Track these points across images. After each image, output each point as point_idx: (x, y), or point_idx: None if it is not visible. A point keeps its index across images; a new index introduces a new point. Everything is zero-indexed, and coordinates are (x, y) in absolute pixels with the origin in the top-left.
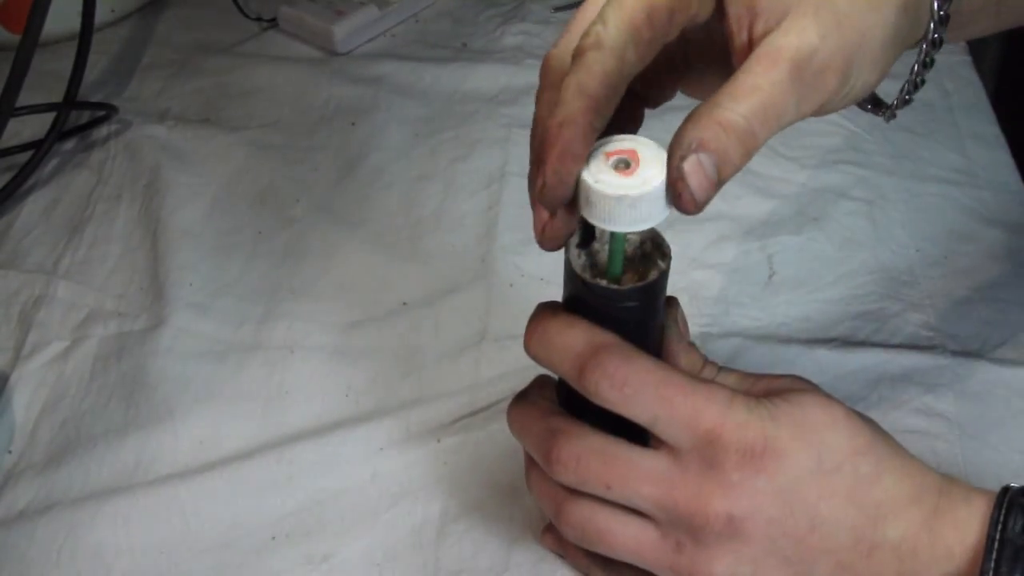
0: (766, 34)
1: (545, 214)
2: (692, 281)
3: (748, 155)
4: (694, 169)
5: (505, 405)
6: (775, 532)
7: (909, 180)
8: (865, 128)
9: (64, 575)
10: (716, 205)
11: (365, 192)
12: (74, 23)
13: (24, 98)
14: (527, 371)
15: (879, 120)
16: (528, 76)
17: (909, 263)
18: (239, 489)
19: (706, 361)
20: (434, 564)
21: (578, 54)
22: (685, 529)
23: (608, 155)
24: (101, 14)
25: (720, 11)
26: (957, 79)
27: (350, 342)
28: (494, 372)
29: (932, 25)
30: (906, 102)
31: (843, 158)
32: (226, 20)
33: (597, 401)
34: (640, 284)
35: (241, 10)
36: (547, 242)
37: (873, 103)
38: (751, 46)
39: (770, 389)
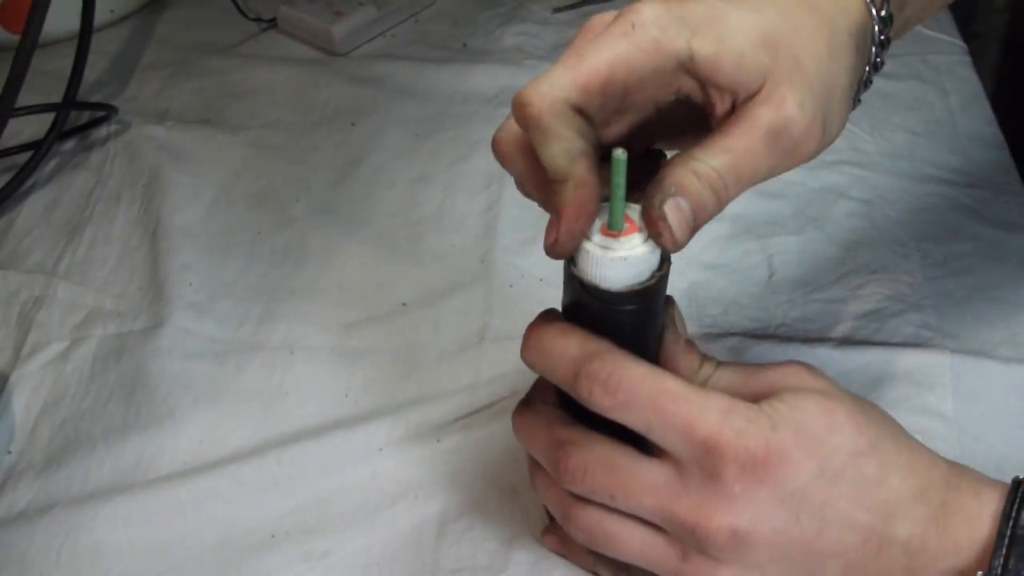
0: (747, 101)
1: (556, 230)
2: (692, 281)
3: (721, 205)
4: (672, 210)
5: (505, 405)
6: (781, 540)
7: (908, 180)
8: (865, 128)
9: (64, 575)
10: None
11: (365, 192)
12: (74, 23)
13: (24, 98)
14: (527, 371)
15: (879, 120)
16: (528, 76)
17: (909, 263)
18: (239, 489)
19: (704, 358)
20: (433, 563)
21: (533, 122)
22: (689, 540)
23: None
24: (101, 14)
25: (701, 88)
26: (956, 79)
27: (350, 342)
28: (494, 372)
29: (874, 50)
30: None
31: (842, 158)
32: (226, 20)
33: (591, 408)
34: (639, 287)
35: (241, 10)
36: (557, 254)
37: None
38: (734, 109)
39: (770, 386)
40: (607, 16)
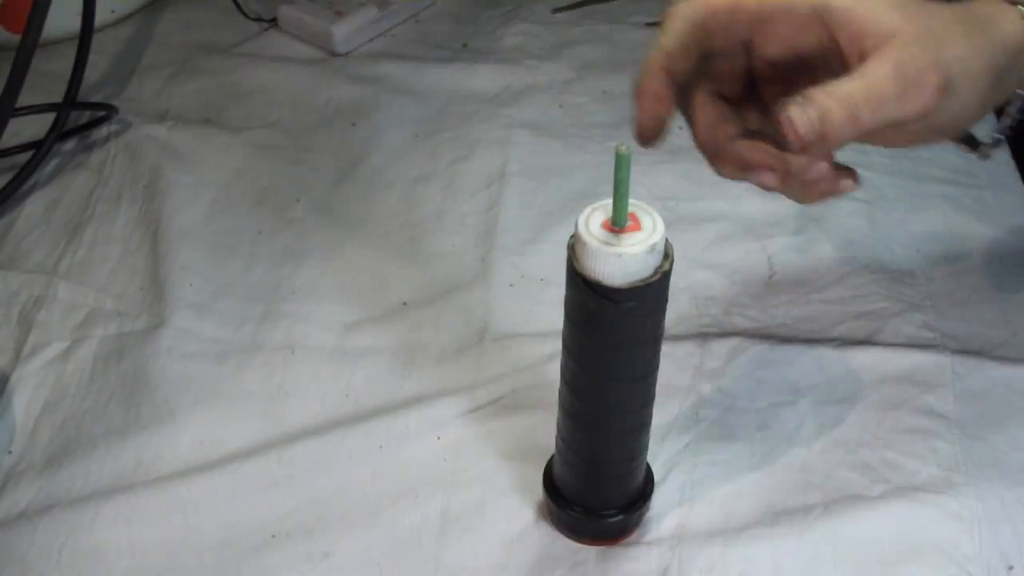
0: (873, 50)
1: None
2: (692, 281)
3: (848, 123)
4: (796, 109)
5: (505, 403)
6: None
7: (909, 180)
8: None
9: (64, 575)
10: (716, 205)
11: (365, 192)
12: (74, 24)
13: (24, 98)
14: (526, 371)
15: None
16: (528, 76)
17: (909, 263)
18: (239, 488)
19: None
20: (434, 562)
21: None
22: None
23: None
24: (101, 15)
25: (831, 40)
26: None
27: (350, 342)
28: (494, 372)
29: None
30: (1000, 141)
31: (843, 158)
32: (226, 20)
33: None
34: (640, 284)
35: (241, 10)
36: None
37: (967, 141)
38: (860, 59)
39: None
40: None
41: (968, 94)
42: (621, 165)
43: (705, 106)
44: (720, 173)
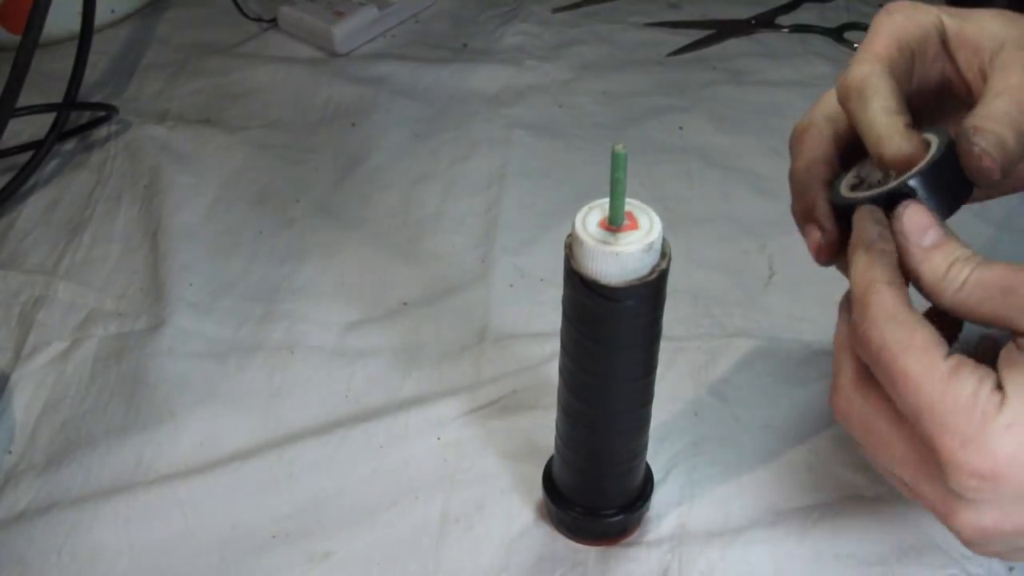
0: (991, 63)
1: (816, 233)
2: (692, 281)
3: (1018, 140)
4: (982, 140)
5: (505, 404)
6: None
7: None
8: None
9: (64, 575)
10: (716, 205)
11: (365, 192)
12: (74, 24)
13: (24, 99)
14: (526, 371)
15: None
16: (528, 77)
17: None
18: (239, 489)
19: (953, 259)
20: (434, 563)
21: (856, 88)
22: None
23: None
24: (101, 15)
25: (951, 61)
26: None
27: (350, 342)
28: (494, 372)
29: None
30: None
31: None
32: (226, 21)
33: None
34: (637, 283)
35: (241, 10)
36: (822, 257)
37: None
38: (983, 75)
39: (998, 291)
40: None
41: None
42: (618, 164)
43: (815, 139)
44: (792, 210)
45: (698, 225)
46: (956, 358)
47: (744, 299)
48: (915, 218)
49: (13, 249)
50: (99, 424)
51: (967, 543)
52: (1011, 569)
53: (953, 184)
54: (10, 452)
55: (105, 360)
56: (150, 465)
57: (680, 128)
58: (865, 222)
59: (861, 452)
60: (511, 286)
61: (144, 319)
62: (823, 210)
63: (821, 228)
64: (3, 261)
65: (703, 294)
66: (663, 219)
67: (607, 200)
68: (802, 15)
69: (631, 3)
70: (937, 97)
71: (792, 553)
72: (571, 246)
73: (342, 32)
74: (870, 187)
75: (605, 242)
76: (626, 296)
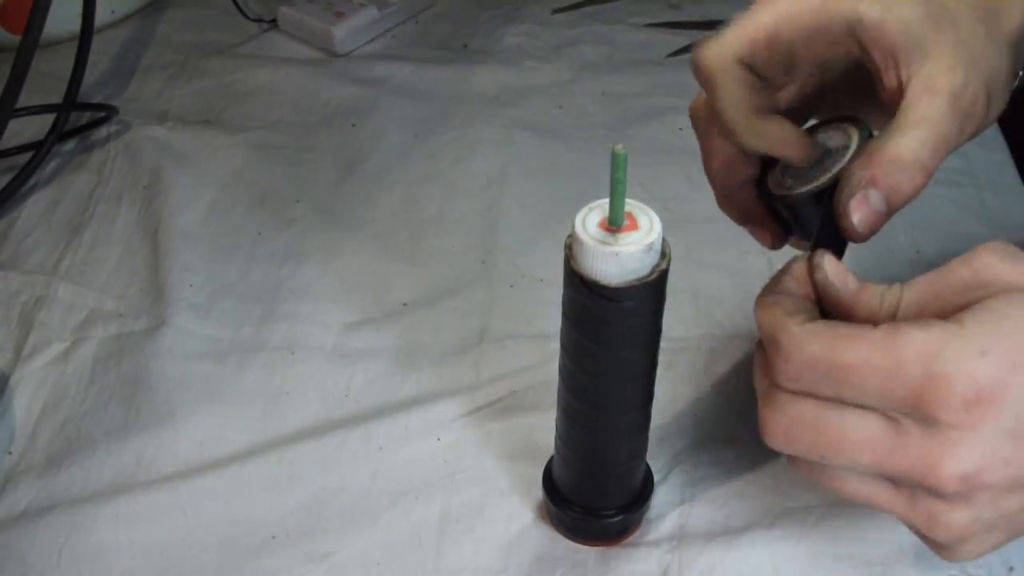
0: (910, 77)
1: (765, 235)
2: (693, 281)
3: (918, 185)
4: (858, 205)
5: (505, 404)
6: (1012, 470)
7: None
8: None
9: (64, 575)
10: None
11: (365, 193)
12: (74, 24)
13: (24, 99)
14: (526, 371)
15: None
16: (528, 77)
17: (909, 264)
18: (239, 489)
19: (884, 289)
20: (434, 563)
21: (704, 76)
22: (918, 488)
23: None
24: (101, 15)
25: (864, 53)
26: None
27: (350, 342)
28: (494, 372)
29: None
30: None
31: None
32: (226, 21)
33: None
34: (637, 283)
35: (241, 11)
36: (776, 246)
37: None
38: (901, 86)
39: (964, 290)
40: None
41: (999, 101)
42: (617, 164)
43: (723, 140)
44: (726, 213)
45: (698, 225)
46: (887, 325)
47: (744, 299)
48: (834, 269)
49: (13, 249)
50: (99, 424)
51: (963, 483)
52: (1011, 569)
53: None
54: (10, 452)
55: (105, 360)
56: (150, 465)
57: (680, 129)
58: (776, 276)
59: (809, 477)
60: (511, 286)
61: (144, 320)
62: (760, 213)
63: (764, 229)
64: (3, 261)
65: (703, 294)
66: (663, 220)
67: (607, 201)
68: None
69: (631, 3)
70: (848, 80)
71: (791, 554)
72: (571, 246)
73: (342, 32)
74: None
75: (605, 242)
76: (626, 296)
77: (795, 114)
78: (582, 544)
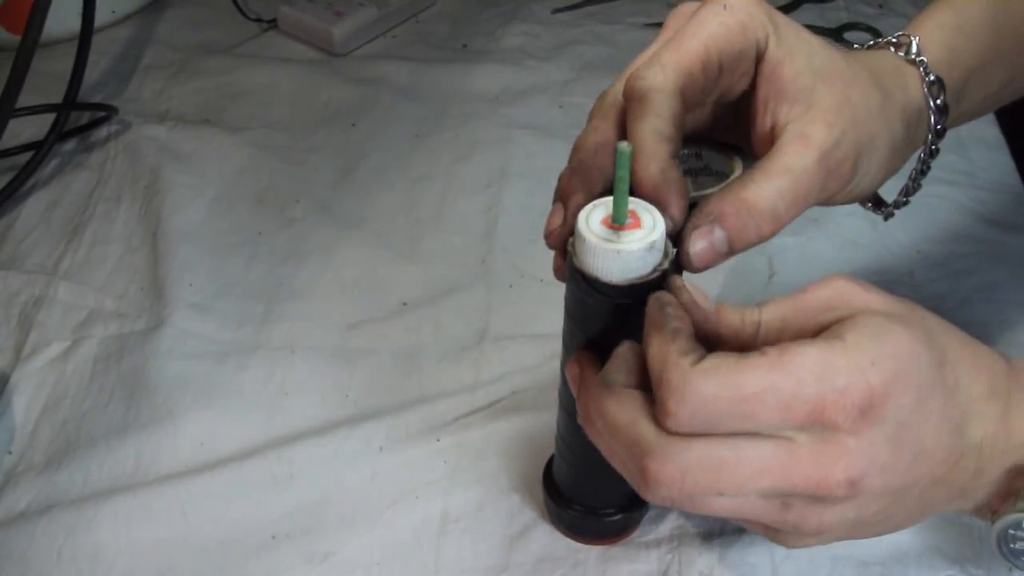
0: (787, 123)
1: (559, 218)
2: (692, 281)
3: (763, 235)
4: (700, 236)
5: (505, 405)
6: (887, 476)
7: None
8: None
9: (64, 575)
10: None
11: (365, 192)
12: (74, 24)
13: (24, 99)
14: (526, 371)
15: None
16: (528, 77)
17: (909, 264)
18: (239, 489)
19: (742, 311)
20: (434, 563)
21: (639, 96)
22: (806, 498)
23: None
24: (101, 15)
25: (752, 90)
26: None
27: (350, 342)
28: (494, 372)
29: (930, 137)
30: (905, 203)
31: None
32: (226, 21)
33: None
34: (638, 282)
35: (241, 11)
36: (554, 241)
37: (873, 201)
38: (773, 132)
39: (825, 312)
40: (693, 4)
41: (876, 171)
42: (621, 162)
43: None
44: (581, 179)
45: None
46: (774, 349)
47: (744, 299)
48: (694, 290)
49: (13, 249)
50: (99, 424)
51: (849, 488)
52: (1011, 570)
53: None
54: (10, 452)
55: (105, 360)
56: (150, 465)
57: None
58: (652, 309)
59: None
60: (511, 286)
61: (144, 319)
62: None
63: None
64: (3, 261)
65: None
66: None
67: (611, 198)
68: (802, 16)
69: (631, 3)
70: (734, 112)
71: (790, 554)
72: (573, 243)
73: (342, 32)
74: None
75: (608, 240)
76: (627, 295)
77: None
78: (582, 543)
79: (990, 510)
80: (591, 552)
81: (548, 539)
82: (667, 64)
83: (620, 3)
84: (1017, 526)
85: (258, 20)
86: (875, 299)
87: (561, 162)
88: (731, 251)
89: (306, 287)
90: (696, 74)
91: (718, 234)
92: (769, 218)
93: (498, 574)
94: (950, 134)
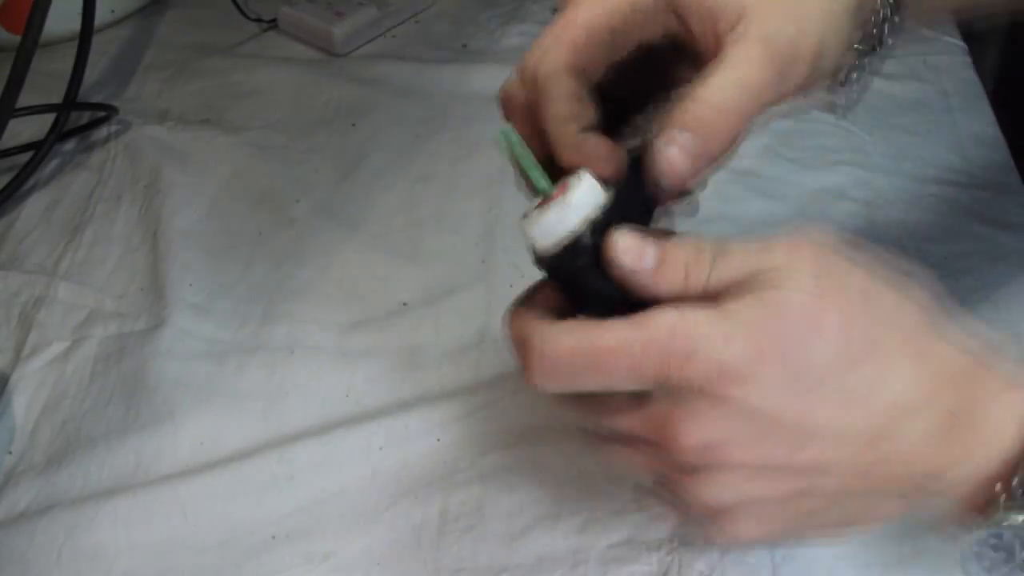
0: (727, 32)
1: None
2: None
3: (732, 127)
4: (666, 144)
5: (505, 405)
6: (757, 455)
7: (908, 181)
8: (865, 129)
9: (64, 575)
10: (716, 205)
11: (365, 193)
12: (74, 24)
13: (24, 99)
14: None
15: (879, 121)
16: None
17: (908, 264)
18: (239, 489)
19: (690, 261)
20: (434, 563)
21: (532, 84)
22: (665, 456)
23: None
24: (101, 15)
25: (682, 23)
26: (956, 80)
27: (350, 342)
28: (494, 372)
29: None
30: (856, 99)
31: (842, 159)
32: (226, 21)
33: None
34: (570, 240)
35: (241, 11)
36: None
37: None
38: (718, 44)
39: (744, 275)
40: None
41: (836, 44)
42: (508, 148)
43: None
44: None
45: (697, 226)
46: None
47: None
48: (626, 243)
49: (13, 249)
50: (99, 424)
51: (703, 452)
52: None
53: (645, 194)
54: (10, 452)
55: (105, 360)
56: (150, 465)
57: None
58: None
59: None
60: (511, 286)
61: (144, 319)
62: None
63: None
64: (3, 261)
65: None
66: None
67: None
68: None
69: None
70: (662, 55)
71: (791, 555)
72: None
73: (342, 32)
74: None
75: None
76: (565, 257)
77: (617, 102)
78: None
79: (955, 522)
80: (591, 552)
81: (548, 539)
82: (551, 49)
83: None
84: (986, 543)
85: (258, 20)
86: (828, 266)
87: None
88: (706, 153)
89: (306, 287)
90: (583, 47)
91: (685, 136)
92: (733, 109)
93: (498, 574)
94: (949, 133)
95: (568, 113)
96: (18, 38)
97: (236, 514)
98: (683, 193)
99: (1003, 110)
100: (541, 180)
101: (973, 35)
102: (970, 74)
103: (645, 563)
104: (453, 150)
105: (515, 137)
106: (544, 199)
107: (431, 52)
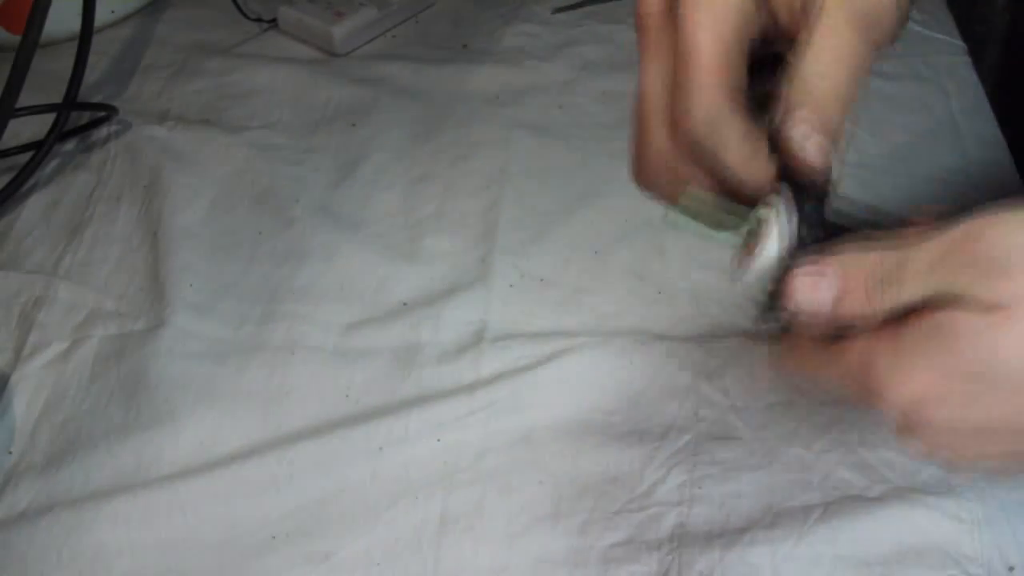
0: (810, 6)
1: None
2: (693, 281)
3: (842, 92)
4: (796, 126)
5: (505, 405)
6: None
7: (909, 180)
8: (865, 128)
9: (64, 575)
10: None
11: (365, 193)
12: (74, 24)
13: (24, 99)
14: (526, 371)
15: (879, 120)
16: (528, 77)
17: None
18: (239, 489)
19: (873, 294)
20: (434, 563)
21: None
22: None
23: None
24: (101, 15)
25: (771, 17)
26: (957, 80)
27: (350, 342)
28: (494, 372)
29: None
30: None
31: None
32: (226, 21)
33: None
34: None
35: (241, 11)
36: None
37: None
38: (804, 17)
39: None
40: None
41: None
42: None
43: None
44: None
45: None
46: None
47: (744, 299)
48: (804, 292)
49: (13, 250)
50: (99, 424)
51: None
52: (1011, 569)
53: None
54: (10, 452)
55: (105, 360)
56: (150, 465)
57: None
58: None
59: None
60: (511, 286)
61: (144, 319)
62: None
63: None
64: (3, 261)
65: (702, 294)
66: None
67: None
68: None
69: (631, 3)
70: (760, 53)
71: (791, 554)
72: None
73: (342, 32)
74: None
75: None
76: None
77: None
78: None
79: None
80: (591, 552)
81: (548, 539)
82: (706, 81)
83: (620, 3)
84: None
85: (258, 20)
86: None
87: (562, 162)
88: (827, 122)
89: (306, 287)
90: (727, 65)
91: (803, 112)
92: (832, 73)
93: (498, 574)
94: (950, 133)
95: (751, 152)
96: (18, 38)
97: (236, 514)
98: (827, 177)
99: (1003, 110)
100: (739, 222)
101: (973, 35)
102: (970, 74)
103: (645, 563)
104: (453, 150)
105: (703, 195)
106: (749, 242)
107: (431, 52)
